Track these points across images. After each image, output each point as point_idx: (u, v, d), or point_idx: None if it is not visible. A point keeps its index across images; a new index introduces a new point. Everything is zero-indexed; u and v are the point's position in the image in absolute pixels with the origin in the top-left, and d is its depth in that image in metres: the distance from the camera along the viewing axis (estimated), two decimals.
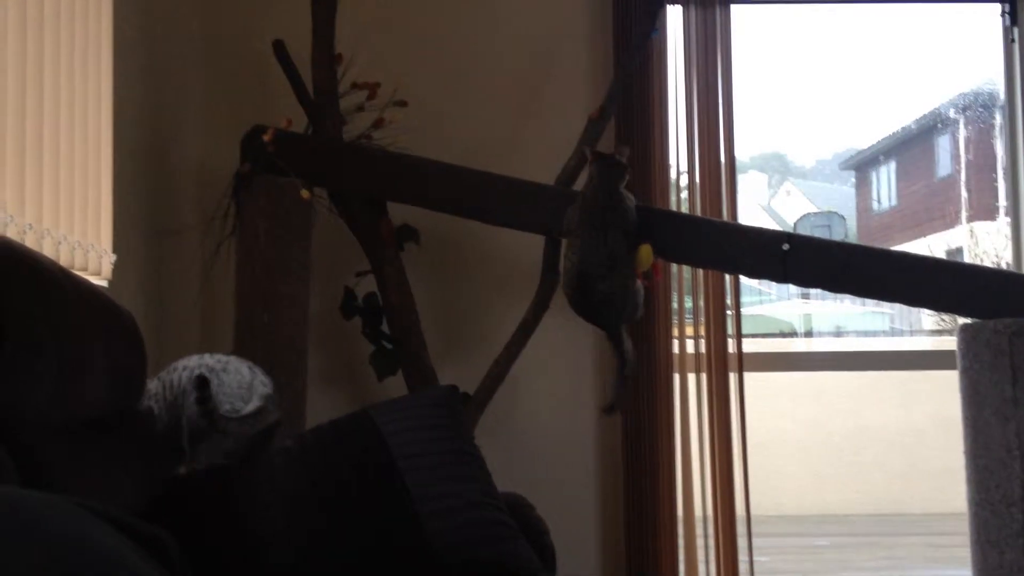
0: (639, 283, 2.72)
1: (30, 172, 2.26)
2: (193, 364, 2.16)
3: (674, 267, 3.46)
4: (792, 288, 7.47)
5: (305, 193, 2.87)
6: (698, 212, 3.45)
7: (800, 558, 5.34)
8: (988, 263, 7.02)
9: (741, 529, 3.41)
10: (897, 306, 6.64)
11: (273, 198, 2.88)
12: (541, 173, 2.98)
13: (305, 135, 3.02)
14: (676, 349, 3.47)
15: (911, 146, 9.03)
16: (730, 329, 3.45)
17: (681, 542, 3.43)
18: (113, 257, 2.70)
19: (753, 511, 3.43)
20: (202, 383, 2.07)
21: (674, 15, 3.53)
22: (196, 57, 3.53)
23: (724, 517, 3.40)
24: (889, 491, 6.52)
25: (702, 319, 3.46)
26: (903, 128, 8.89)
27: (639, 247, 2.71)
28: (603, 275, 2.65)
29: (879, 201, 9.44)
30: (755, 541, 3.43)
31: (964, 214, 7.73)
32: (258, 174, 2.89)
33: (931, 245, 8.09)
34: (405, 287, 3.04)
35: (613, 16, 3.51)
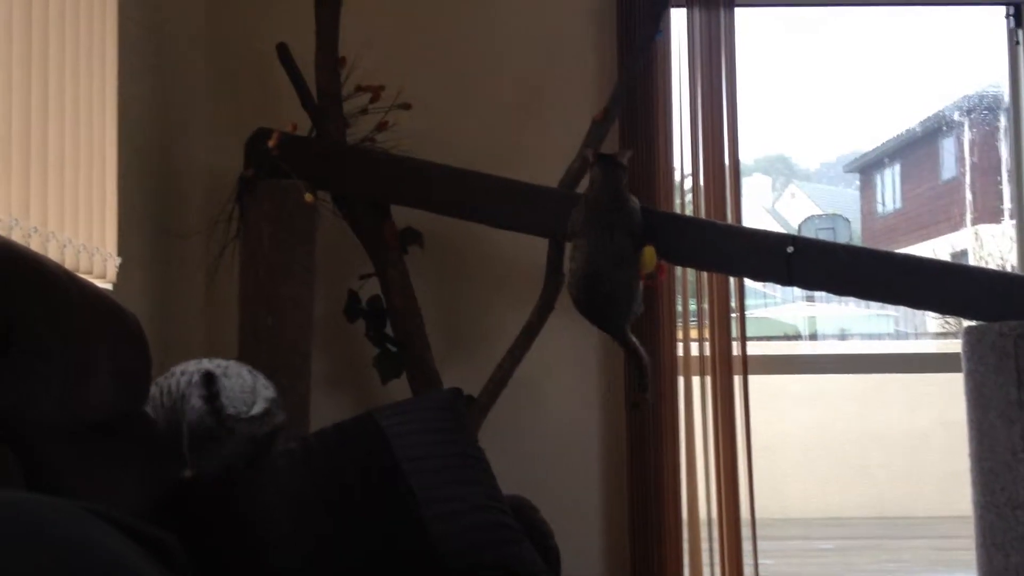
0: (641, 284, 2.73)
1: (35, 175, 2.26)
2: (191, 369, 2.15)
3: (678, 270, 3.46)
4: (796, 291, 7.48)
5: (309, 196, 2.87)
6: (702, 215, 3.45)
7: (805, 561, 5.33)
8: (993, 265, 7.01)
9: (746, 532, 3.41)
10: (902, 309, 6.64)
11: (277, 201, 2.88)
12: (545, 176, 2.98)
13: (309, 138, 3.02)
14: (680, 352, 3.46)
15: (915, 149, 9.02)
16: (734, 332, 3.45)
17: (686, 545, 3.43)
18: (118, 260, 2.70)
19: (758, 514, 3.43)
20: (209, 380, 2.06)
21: (678, 17, 3.54)
22: (200, 60, 3.54)
23: (728, 520, 3.39)
24: (894, 494, 6.51)
25: (706, 322, 3.46)
26: (907, 131, 8.88)
27: (643, 249, 2.71)
28: (609, 275, 2.65)
29: (883, 204, 9.43)
30: (760, 544, 3.42)
31: (969, 217, 7.73)
32: (262, 178, 2.89)
33: (936, 248, 8.09)
34: (409, 290, 3.04)
35: (617, 19, 3.52)
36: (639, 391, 2.82)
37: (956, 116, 7.83)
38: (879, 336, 8.37)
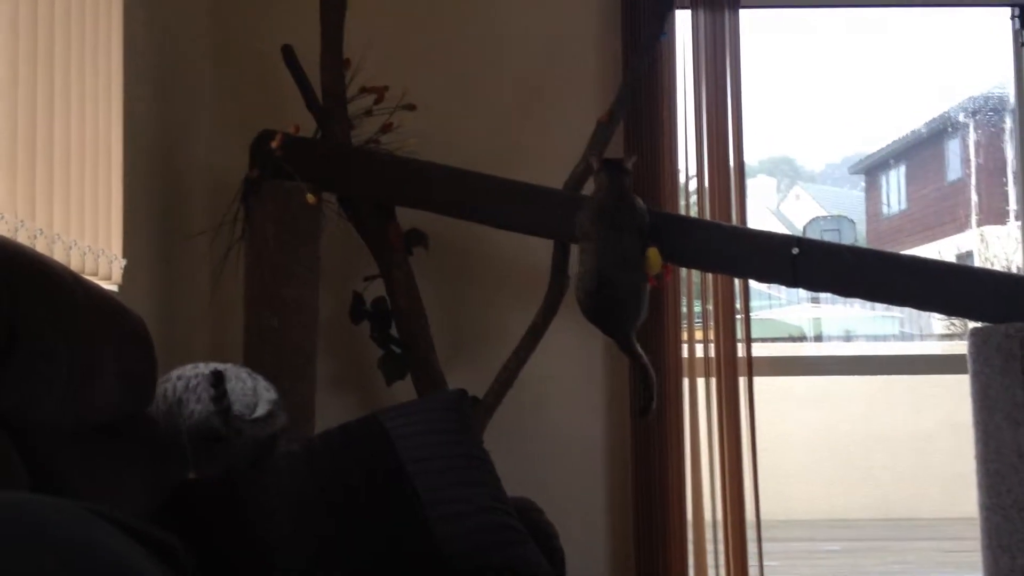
0: (648, 287, 2.73)
1: (41, 178, 2.26)
2: (188, 374, 2.14)
3: (683, 271, 3.45)
4: (801, 292, 7.47)
5: (311, 197, 2.87)
6: (707, 216, 3.45)
7: (810, 563, 5.32)
8: (998, 267, 7.00)
9: (751, 534, 3.40)
10: (907, 310, 6.61)
11: (282, 203, 2.88)
12: (549, 177, 2.98)
13: (313, 140, 3.02)
14: (685, 353, 3.46)
15: (921, 150, 9.01)
16: (739, 333, 3.45)
17: (691, 547, 3.42)
18: (123, 262, 2.70)
19: (763, 516, 3.42)
20: (217, 379, 2.05)
21: (683, 19, 3.53)
22: (205, 62, 3.54)
23: (734, 522, 3.39)
24: (899, 496, 6.49)
25: (711, 323, 3.46)
26: (913, 132, 8.87)
27: (647, 251, 2.71)
28: (618, 279, 2.65)
29: (889, 205, 9.41)
30: (765, 546, 3.42)
31: (974, 218, 7.71)
32: (267, 179, 2.89)
33: (941, 249, 8.08)
34: (414, 291, 3.04)
35: (622, 20, 3.52)
36: (644, 409, 2.81)
37: (962, 117, 7.82)
38: (884, 337, 8.35)
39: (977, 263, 7.35)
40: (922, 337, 8.00)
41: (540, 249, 3.06)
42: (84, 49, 2.52)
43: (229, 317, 3.16)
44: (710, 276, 3.45)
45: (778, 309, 8.37)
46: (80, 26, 2.49)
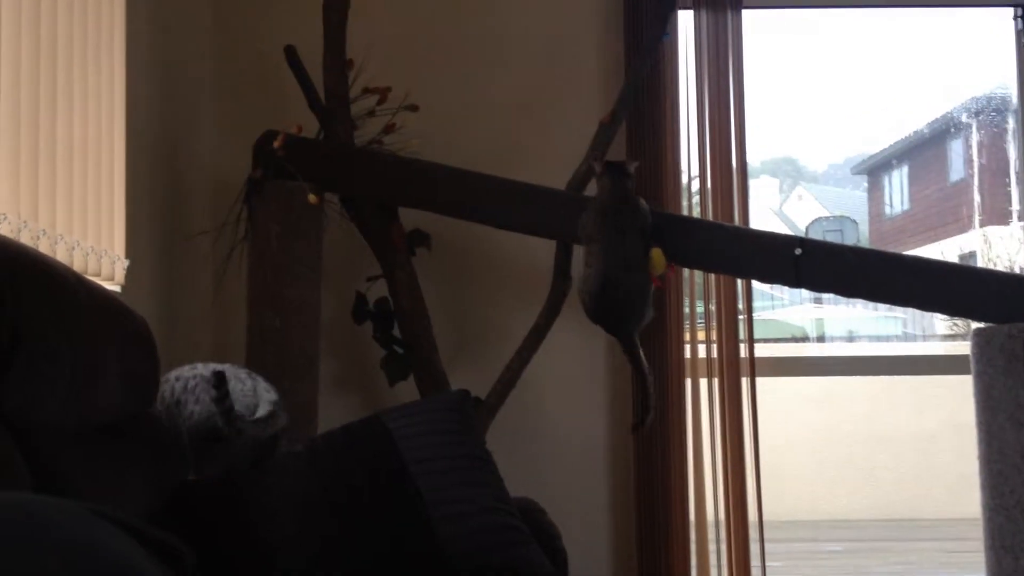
0: (652, 287, 2.73)
1: (43, 178, 2.26)
2: (186, 375, 2.13)
3: (686, 272, 3.45)
4: (804, 293, 7.47)
5: (312, 198, 2.88)
6: (710, 217, 3.45)
7: (813, 564, 5.32)
8: (1001, 267, 7.00)
9: (753, 534, 3.40)
10: (910, 311, 6.61)
11: (285, 203, 2.88)
12: (552, 178, 2.98)
13: (316, 140, 3.02)
14: (688, 354, 3.46)
15: (923, 150, 9.00)
16: (742, 334, 3.45)
17: (693, 547, 3.42)
18: (126, 262, 2.70)
19: (765, 516, 3.42)
20: (219, 380, 2.05)
21: (685, 19, 3.53)
22: (208, 63, 3.55)
23: (736, 522, 3.39)
24: (902, 496, 6.49)
25: (714, 324, 3.46)
26: (915, 132, 8.86)
27: (651, 252, 2.71)
28: (623, 280, 2.65)
29: (891, 205, 9.41)
30: (767, 546, 3.42)
31: (977, 218, 7.71)
32: (270, 179, 2.89)
33: (944, 250, 8.07)
34: (416, 292, 3.04)
35: (624, 21, 3.52)
36: (637, 425, 2.82)
37: (964, 118, 7.81)
38: (887, 338, 8.35)
39: (980, 263, 7.34)
40: (925, 338, 7.99)
41: (542, 250, 3.06)
42: (87, 49, 2.52)
43: (231, 317, 3.17)
44: (712, 276, 3.44)
45: (781, 310, 8.37)
46: (83, 26, 2.49)
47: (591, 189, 2.87)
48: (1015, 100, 3.89)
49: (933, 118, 8.47)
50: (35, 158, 2.23)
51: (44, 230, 2.24)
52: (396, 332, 3.16)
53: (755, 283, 3.49)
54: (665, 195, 3.43)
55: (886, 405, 6.60)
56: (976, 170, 7.83)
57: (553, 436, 3.50)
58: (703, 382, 3.46)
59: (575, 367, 3.52)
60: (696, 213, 3.54)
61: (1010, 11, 3.80)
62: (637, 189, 2.81)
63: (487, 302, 3.55)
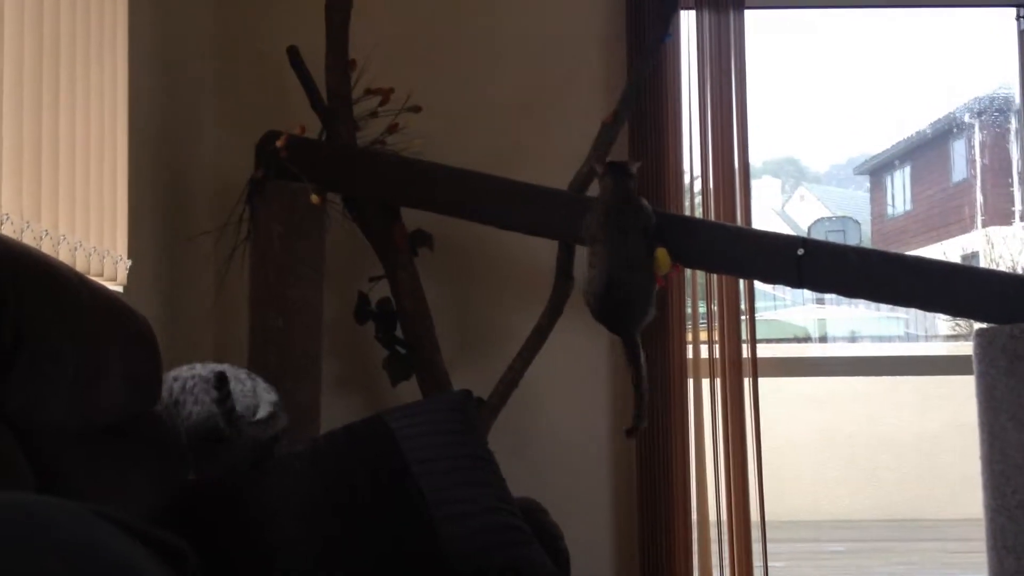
0: (656, 287, 2.73)
1: (46, 178, 2.27)
2: (184, 375, 2.12)
3: (688, 272, 3.45)
4: (807, 293, 7.47)
5: (315, 198, 2.88)
6: (712, 217, 3.45)
7: (815, 564, 5.32)
8: (1004, 268, 7.00)
9: (755, 534, 3.40)
10: (912, 311, 6.61)
11: (287, 203, 2.89)
12: (554, 178, 2.98)
13: (319, 141, 3.02)
14: (690, 354, 3.46)
15: (926, 151, 9.00)
16: (744, 334, 3.44)
17: (695, 547, 3.42)
18: (128, 263, 2.71)
19: (768, 516, 3.42)
20: (221, 381, 2.04)
21: (688, 20, 3.53)
22: (210, 63, 3.55)
23: (738, 522, 3.39)
24: (905, 497, 6.49)
25: (716, 324, 3.46)
26: (918, 132, 8.86)
27: (655, 252, 2.71)
28: (626, 280, 2.65)
29: (893, 206, 9.41)
30: (770, 546, 3.42)
31: (979, 219, 7.71)
32: (272, 179, 2.89)
33: (946, 250, 8.07)
34: (419, 292, 3.04)
35: (626, 21, 3.51)
36: (631, 430, 2.82)
37: (967, 118, 7.81)
38: (889, 338, 8.35)
39: (982, 264, 7.35)
40: (927, 338, 7.99)
41: (545, 250, 3.06)
42: (89, 49, 2.52)
43: (233, 318, 3.17)
44: (715, 277, 3.44)
45: (783, 310, 8.37)
46: (85, 26, 2.50)
47: (593, 189, 2.87)
48: (1017, 100, 3.89)
49: (935, 118, 8.47)
50: (37, 159, 2.23)
51: (47, 231, 2.25)
52: (398, 332, 3.16)
53: (757, 283, 3.49)
54: (667, 195, 3.43)
55: (888, 406, 6.60)
56: (978, 170, 7.84)
57: (555, 436, 3.50)
58: (705, 382, 3.46)
59: (577, 367, 3.51)
60: (698, 213, 3.54)
61: (1012, 11, 3.80)
62: (639, 189, 2.81)
63: (489, 302, 3.55)
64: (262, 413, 2.11)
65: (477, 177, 2.95)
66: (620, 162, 2.81)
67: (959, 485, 5.78)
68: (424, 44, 3.57)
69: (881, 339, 8.36)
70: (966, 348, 2.75)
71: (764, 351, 3.52)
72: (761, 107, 3.68)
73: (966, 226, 7.93)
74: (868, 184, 9.65)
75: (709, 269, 3.29)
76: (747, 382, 3.42)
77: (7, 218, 2.08)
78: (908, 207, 9.27)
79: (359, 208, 3.04)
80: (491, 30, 3.62)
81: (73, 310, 1.59)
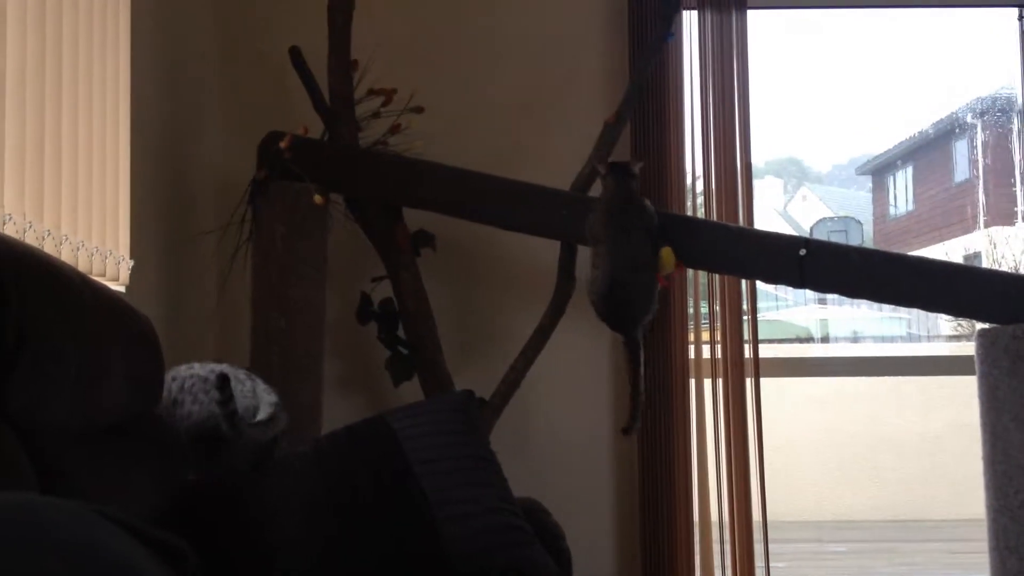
0: (658, 286, 2.73)
1: (49, 179, 2.27)
2: (183, 374, 2.11)
3: (690, 272, 3.45)
4: (809, 293, 7.47)
5: (319, 198, 2.88)
6: (714, 217, 3.45)
7: (817, 564, 5.32)
8: (1006, 268, 6.99)
9: (758, 535, 3.40)
10: (914, 311, 6.61)
11: (290, 204, 2.89)
12: (557, 178, 2.98)
13: (321, 141, 3.02)
14: (692, 354, 3.46)
15: (928, 151, 9.00)
16: (746, 334, 3.44)
17: (697, 547, 3.42)
18: (130, 263, 2.71)
19: (770, 517, 3.42)
20: (223, 382, 2.03)
21: (690, 20, 3.53)
22: (213, 63, 3.55)
23: (740, 522, 3.39)
24: (907, 497, 6.49)
25: (718, 324, 3.46)
26: (920, 133, 8.86)
27: (660, 250, 2.71)
28: (630, 279, 2.66)
29: (896, 206, 9.41)
30: (772, 547, 3.41)
31: (982, 219, 7.70)
32: (275, 180, 2.90)
33: (948, 250, 8.07)
34: (421, 292, 3.04)
35: (628, 21, 3.51)
36: (627, 428, 2.83)
37: (969, 118, 7.81)
38: (892, 339, 8.34)
39: (985, 264, 7.34)
40: (930, 338, 7.99)
41: (547, 250, 3.06)
42: (92, 50, 2.52)
43: (236, 318, 3.17)
44: (717, 277, 3.44)
45: (785, 310, 8.36)
46: (88, 27, 2.50)
47: (595, 190, 2.87)
48: (1020, 100, 3.88)
49: (938, 119, 8.46)
50: (40, 159, 2.24)
51: (49, 231, 2.25)
52: (400, 333, 3.16)
53: (759, 284, 3.48)
54: (669, 195, 3.43)
55: (890, 406, 6.60)
56: (981, 171, 7.83)
57: (557, 437, 3.50)
58: (707, 382, 3.46)
59: (579, 368, 3.52)
60: (700, 213, 3.54)
61: (1015, 11, 3.80)
62: (641, 189, 2.81)
63: (491, 303, 3.55)
64: (262, 414, 2.10)
65: (479, 177, 2.96)
66: (622, 162, 2.81)
67: (961, 485, 5.78)
68: (426, 44, 3.57)
69: (883, 339, 8.35)
70: (968, 348, 2.75)
71: (766, 351, 3.52)
72: (763, 107, 3.68)
73: (968, 226, 7.92)
74: (870, 184, 9.64)
75: (711, 269, 3.29)
76: (749, 382, 3.42)
77: (10, 218, 2.08)
78: (910, 207, 9.26)
79: (361, 208, 3.05)
80: (493, 30, 3.62)
81: (75, 310, 1.60)
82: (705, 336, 3.49)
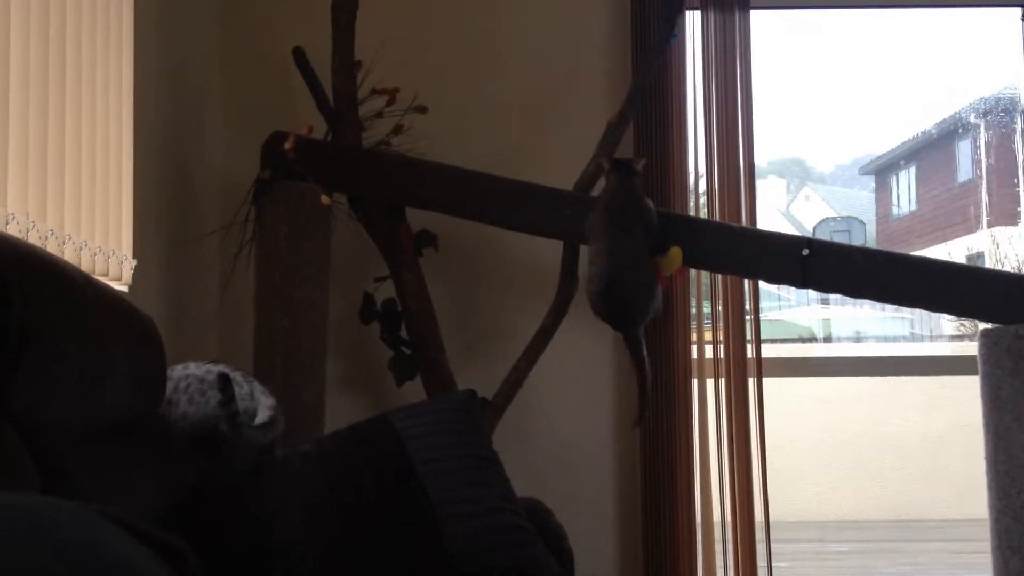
0: (659, 285, 2.73)
1: (52, 178, 2.27)
2: (177, 375, 2.09)
3: (693, 272, 3.45)
4: (811, 293, 7.46)
5: (325, 199, 2.88)
6: (717, 217, 3.45)
7: (819, 564, 5.32)
8: (1009, 268, 6.98)
9: (760, 535, 3.40)
10: (917, 311, 6.60)
11: (293, 204, 2.89)
12: (560, 178, 2.98)
13: (325, 141, 3.03)
14: (695, 354, 3.46)
15: (931, 151, 8.98)
16: (749, 334, 3.44)
17: (699, 547, 3.42)
18: (133, 262, 2.71)
19: (772, 516, 3.42)
20: (225, 383, 2.03)
21: (693, 20, 3.53)
22: (216, 63, 3.55)
23: (743, 522, 3.39)
24: (909, 497, 6.49)
25: (721, 324, 3.46)
26: (923, 133, 8.84)
27: (670, 249, 2.71)
28: (628, 277, 2.65)
29: (899, 206, 9.39)
30: (774, 547, 3.42)
31: (985, 219, 7.69)
32: (278, 180, 2.90)
33: (951, 250, 8.05)
34: (424, 293, 3.04)
35: (631, 22, 3.51)
36: (639, 412, 2.83)
37: (972, 118, 7.79)
38: (894, 339, 8.33)
39: (988, 264, 7.33)
40: (932, 338, 7.98)
41: (549, 250, 3.06)
42: (95, 50, 2.52)
43: (239, 318, 3.17)
44: (719, 277, 3.44)
45: (788, 310, 8.35)
46: (91, 27, 2.50)
47: (599, 190, 2.87)
48: (1023, 101, 3.88)
49: (941, 118, 8.45)
50: (43, 159, 2.24)
51: (52, 230, 2.25)
52: (403, 333, 3.16)
53: (762, 284, 3.48)
54: (672, 195, 3.43)
55: (893, 406, 6.60)
56: (984, 171, 7.81)
57: (559, 436, 3.50)
58: (710, 382, 3.46)
59: (582, 368, 3.52)
60: (703, 213, 3.54)
61: (1018, 11, 3.79)
62: (644, 189, 2.81)
63: (494, 303, 3.55)
64: (262, 418, 2.09)
65: (482, 177, 2.96)
66: (626, 159, 2.81)
67: (964, 485, 5.78)
68: (429, 44, 3.58)
69: (886, 339, 8.34)
70: (971, 348, 2.75)
71: (769, 351, 3.52)
72: (766, 107, 3.68)
73: (971, 226, 7.91)
74: (873, 184, 9.63)
75: (714, 269, 3.29)
76: (752, 382, 3.42)
77: (13, 218, 2.09)
78: (913, 207, 9.25)
79: (364, 209, 3.05)
80: (497, 31, 3.62)
81: (78, 310, 1.60)
82: (708, 336, 3.50)
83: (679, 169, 3.47)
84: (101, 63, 2.56)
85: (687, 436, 3.41)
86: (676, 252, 2.73)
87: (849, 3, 4.08)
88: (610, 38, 3.59)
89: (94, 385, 1.62)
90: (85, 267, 2.36)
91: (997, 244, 7.38)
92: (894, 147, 9.16)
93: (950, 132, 8.46)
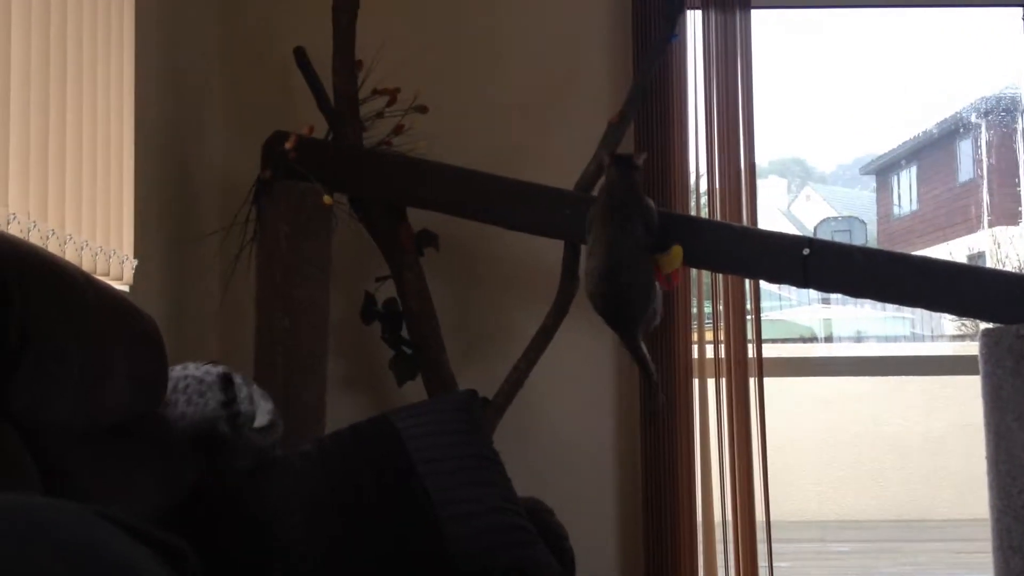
0: (658, 287, 2.73)
1: (53, 178, 2.27)
2: (176, 375, 2.09)
3: (694, 272, 3.45)
4: (812, 293, 7.45)
5: (327, 199, 2.88)
6: (718, 217, 3.44)
7: (820, 564, 5.32)
8: (1010, 268, 6.98)
9: (761, 535, 3.40)
10: (918, 311, 6.59)
11: (294, 203, 2.89)
12: (560, 178, 2.98)
13: (325, 141, 3.03)
14: (695, 354, 3.46)
15: (932, 150, 8.97)
16: (750, 334, 3.44)
17: (700, 547, 3.42)
18: (134, 262, 2.71)
19: (773, 516, 3.42)
20: (227, 384, 2.03)
21: (694, 19, 3.53)
22: (217, 63, 3.55)
23: (744, 522, 3.39)
24: (910, 497, 6.48)
25: (722, 324, 3.45)
26: (924, 132, 8.84)
27: (672, 248, 2.71)
28: (627, 271, 2.65)
29: (900, 206, 9.39)
30: (775, 547, 3.41)
31: (986, 219, 7.68)
32: (279, 180, 2.90)
33: (952, 250, 8.05)
34: (425, 292, 3.04)
35: (632, 21, 3.51)
36: (652, 402, 2.83)
37: (973, 118, 7.79)
38: (895, 338, 8.32)
39: (989, 264, 7.32)
40: (933, 338, 7.97)
41: (550, 250, 3.06)
42: (96, 50, 2.52)
43: (240, 318, 3.17)
44: (720, 277, 3.44)
45: (788, 310, 8.35)
46: (92, 27, 2.50)
47: (599, 189, 2.87)
48: None
49: (942, 118, 8.44)
50: (44, 159, 2.24)
51: (53, 230, 2.25)
52: (404, 332, 3.16)
53: (763, 283, 3.48)
54: (673, 195, 3.43)
55: (894, 406, 6.59)
56: (985, 170, 7.81)
57: (560, 436, 3.50)
58: (711, 382, 3.46)
59: (583, 368, 3.51)
60: (704, 213, 3.54)
61: (1019, 11, 3.79)
62: (645, 188, 2.81)
63: (495, 302, 3.55)
64: (261, 421, 2.09)
65: (483, 177, 2.96)
66: (626, 154, 2.81)
67: (965, 485, 5.78)
68: (430, 44, 3.58)
69: (887, 339, 8.33)
70: (972, 348, 2.75)
71: (769, 351, 3.52)
72: (767, 107, 3.67)
73: (972, 226, 7.90)
74: (874, 184, 9.62)
75: (715, 269, 3.29)
76: (752, 382, 3.42)
77: (14, 217, 2.09)
78: (914, 207, 9.24)
79: (365, 208, 3.05)
80: (497, 31, 3.62)
81: (79, 310, 1.60)
82: (708, 336, 3.49)
83: (680, 168, 3.47)
84: (102, 63, 2.56)
85: (688, 436, 3.41)
86: (677, 250, 2.73)
87: (850, 3, 4.08)
88: (611, 38, 3.59)
89: (94, 385, 1.62)
90: (86, 267, 2.36)
91: (998, 244, 7.38)
92: (895, 147, 9.16)
93: (951, 132, 8.46)
